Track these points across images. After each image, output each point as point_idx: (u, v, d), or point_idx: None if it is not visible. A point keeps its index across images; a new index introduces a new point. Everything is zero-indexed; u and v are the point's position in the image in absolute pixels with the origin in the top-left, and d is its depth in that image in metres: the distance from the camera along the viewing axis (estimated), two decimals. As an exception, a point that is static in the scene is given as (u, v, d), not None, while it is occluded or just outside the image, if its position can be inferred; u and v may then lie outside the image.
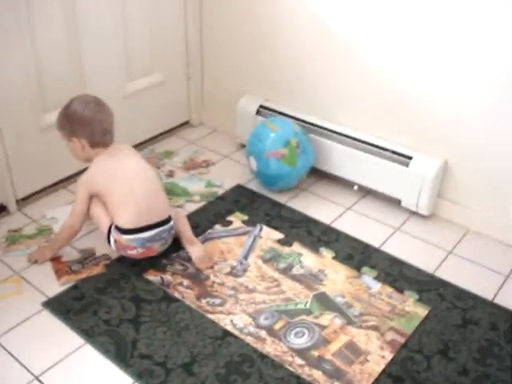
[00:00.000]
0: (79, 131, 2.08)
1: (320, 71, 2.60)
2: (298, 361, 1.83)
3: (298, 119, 2.65)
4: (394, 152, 2.43)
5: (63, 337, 1.90)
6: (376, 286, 2.12)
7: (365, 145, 2.49)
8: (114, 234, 2.10)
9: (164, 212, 2.14)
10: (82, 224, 2.16)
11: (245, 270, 2.18)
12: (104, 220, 2.13)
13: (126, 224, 2.07)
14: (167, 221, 2.15)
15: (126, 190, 2.08)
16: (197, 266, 2.17)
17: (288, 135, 2.47)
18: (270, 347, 1.87)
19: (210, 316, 1.98)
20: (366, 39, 2.40)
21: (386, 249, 2.30)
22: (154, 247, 2.14)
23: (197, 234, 2.32)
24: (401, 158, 2.41)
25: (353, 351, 1.87)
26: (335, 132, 2.57)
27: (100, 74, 2.59)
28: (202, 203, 2.54)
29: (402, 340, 1.91)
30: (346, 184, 2.64)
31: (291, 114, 2.68)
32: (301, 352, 1.86)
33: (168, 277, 2.14)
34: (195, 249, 2.19)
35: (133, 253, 2.12)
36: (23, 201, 2.51)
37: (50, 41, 2.36)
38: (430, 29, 2.22)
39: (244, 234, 2.36)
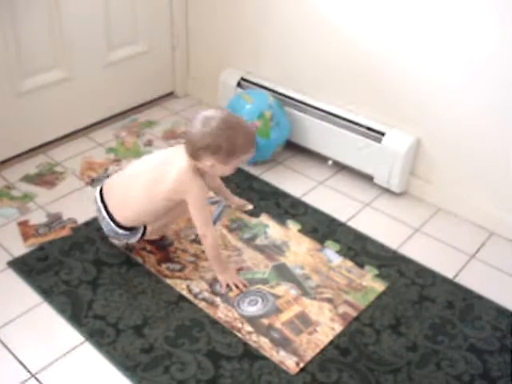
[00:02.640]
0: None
1: (301, 47, 2.58)
2: (247, 328, 1.85)
3: (277, 93, 2.64)
4: (368, 128, 2.42)
5: (23, 295, 1.95)
6: (337, 260, 2.13)
7: (340, 120, 2.49)
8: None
9: (116, 215, 2.01)
10: None
11: (209, 239, 2.20)
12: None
13: (105, 184, 2.10)
14: (118, 224, 2.02)
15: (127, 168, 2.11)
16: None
17: (262, 107, 2.47)
18: (222, 313, 1.90)
19: (168, 281, 2.01)
20: (346, 16, 2.38)
21: (352, 224, 2.30)
22: (101, 223, 2.10)
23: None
24: (374, 133, 2.40)
25: (303, 321, 1.88)
26: (312, 106, 2.57)
27: (80, 41, 2.61)
28: (176, 172, 2.55)
29: (354, 313, 1.92)
30: (321, 159, 2.64)
31: (271, 87, 2.67)
32: (251, 319, 1.88)
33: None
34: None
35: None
36: (2, 164, 2.55)
37: (29, 7, 2.38)
38: (407, 7, 2.20)
39: (214, 203, 2.37)
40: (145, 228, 2.05)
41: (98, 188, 2.07)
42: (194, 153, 1.88)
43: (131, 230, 2.03)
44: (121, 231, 2.02)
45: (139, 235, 2.05)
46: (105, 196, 2.03)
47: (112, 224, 2.01)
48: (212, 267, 2.03)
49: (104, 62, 2.75)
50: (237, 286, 1.99)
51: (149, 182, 1.95)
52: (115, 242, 2.14)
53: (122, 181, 2.04)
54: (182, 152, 1.93)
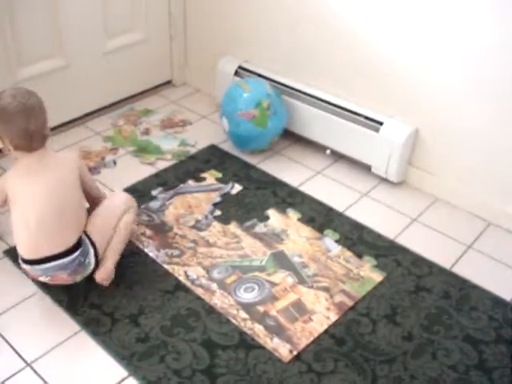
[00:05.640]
0: (1, 129, 1.76)
1: (299, 35, 2.57)
2: (242, 314, 1.86)
3: (274, 81, 2.63)
4: (366, 117, 2.40)
5: (19, 284, 1.95)
6: (335, 249, 2.13)
7: (338, 109, 2.47)
8: (19, 259, 1.89)
9: (68, 242, 1.81)
10: None
11: (208, 225, 2.21)
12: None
13: (22, 253, 1.84)
14: (71, 251, 1.82)
15: (23, 217, 1.79)
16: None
17: (260, 96, 2.46)
18: (218, 299, 1.90)
19: (166, 266, 2.01)
20: (346, 5, 2.36)
21: (349, 213, 2.30)
22: (60, 277, 1.85)
23: (164, 191, 2.37)
24: (372, 123, 2.38)
25: (298, 310, 1.88)
26: (310, 95, 2.55)
27: (78, 29, 2.59)
28: (173, 162, 2.55)
29: (350, 303, 1.91)
30: (319, 148, 2.63)
31: (268, 75, 2.66)
32: (247, 306, 1.89)
33: (133, 226, 2.13)
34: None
35: (41, 279, 1.88)
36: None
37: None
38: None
39: (215, 190, 2.38)
40: (87, 236, 1.87)
41: (22, 264, 1.86)
42: (46, 135, 1.82)
43: (78, 247, 1.83)
44: (73, 254, 1.82)
45: (89, 245, 1.86)
46: (35, 253, 1.81)
47: (67, 259, 1.81)
48: None
49: (102, 50, 2.73)
50: None
51: (48, 192, 1.80)
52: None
53: (34, 223, 1.78)
54: (38, 155, 1.80)
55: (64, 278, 1.86)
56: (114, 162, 2.53)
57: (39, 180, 1.79)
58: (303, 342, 1.77)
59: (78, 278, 1.89)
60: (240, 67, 2.74)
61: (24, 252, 1.83)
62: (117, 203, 1.99)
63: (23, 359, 1.71)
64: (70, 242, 1.82)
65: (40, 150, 1.80)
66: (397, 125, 2.35)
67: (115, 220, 1.94)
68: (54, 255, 1.80)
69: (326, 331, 1.82)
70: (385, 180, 2.47)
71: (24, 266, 1.86)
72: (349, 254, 2.11)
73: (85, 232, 1.87)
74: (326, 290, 1.96)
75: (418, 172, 2.44)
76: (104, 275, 1.90)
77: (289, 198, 2.36)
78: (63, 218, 1.81)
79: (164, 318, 1.84)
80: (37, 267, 1.83)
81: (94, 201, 2.01)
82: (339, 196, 2.39)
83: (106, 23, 2.69)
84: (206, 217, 2.24)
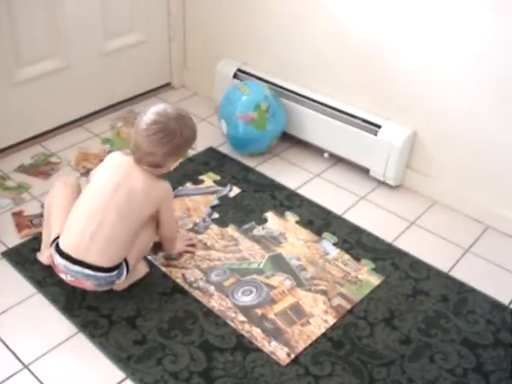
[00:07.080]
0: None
1: (298, 38, 2.57)
2: (240, 317, 1.86)
3: (273, 84, 2.63)
4: (364, 120, 2.41)
5: (16, 286, 1.94)
6: (333, 252, 2.13)
7: (336, 112, 2.47)
8: (51, 249, 1.85)
9: (113, 261, 1.80)
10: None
11: (206, 228, 2.21)
12: (56, 223, 1.89)
13: (64, 245, 1.80)
14: (111, 269, 1.80)
15: (87, 212, 1.80)
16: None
17: (258, 99, 2.46)
18: (216, 302, 1.90)
19: (164, 269, 2.01)
20: (344, 8, 2.36)
21: (347, 217, 2.30)
22: (86, 284, 1.82)
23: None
24: (370, 126, 2.39)
25: (296, 313, 1.88)
26: (309, 98, 2.56)
27: (77, 30, 2.59)
28: (172, 164, 2.54)
29: (348, 306, 1.91)
30: (317, 151, 2.63)
31: (267, 78, 2.66)
32: (245, 309, 1.89)
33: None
34: None
35: (63, 276, 1.84)
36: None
37: (24, -6, 2.36)
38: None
39: (213, 193, 2.38)
40: (125, 261, 1.85)
41: (56, 255, 1.80)
42: (162, 161, 1.81)
43: (116, 268, 1.82)
44: (111, 274, 1.81)
45: (125, 269, 1.84)
46: (76, 252, 1.77)
47: (102, 274, 1.79)
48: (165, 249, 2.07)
49: (100, 51, 2.73)
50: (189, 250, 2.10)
51: (122, 210, 1.78)
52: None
53: (94, 226, 1.77)
54: (130, 164, 1.82)
55: (88, 285, 1.83)
56: (113, 164, 2.52)
57: (115, 179, 1.81)
58: (301, 345, 1.77)
59: (101, 289, 1.87)
60: (239, 70, 2.74)
61: (67, 245, 1.79)
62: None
63: (20, 361, 1.70)
64: (115, 261, 1.80)
65: (136, 164, 1.81)
66: (395, 128, 2.35)
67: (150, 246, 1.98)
68: (95, 265, 1.77)
69: (323, 334, 1.82)
70: (383, 183, 2.47)
71: (57, 257, 1.79)
72: (347, 257, 2.11)
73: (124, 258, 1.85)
74: (324, 293, 1.96)
75: (416, 175, 2.44)
76: (126, 285, 1.94)
77: (287, 200, 2.36)
78: (120, 235, 1.79)
79: (161, 320, 1.84)
80: (72, 266, 1.77)
81: (161, 237, 1.99)
82: (337, 199, 2.39)
83: (105, 24, 2.69)
84: (204, 219, 2.24)
